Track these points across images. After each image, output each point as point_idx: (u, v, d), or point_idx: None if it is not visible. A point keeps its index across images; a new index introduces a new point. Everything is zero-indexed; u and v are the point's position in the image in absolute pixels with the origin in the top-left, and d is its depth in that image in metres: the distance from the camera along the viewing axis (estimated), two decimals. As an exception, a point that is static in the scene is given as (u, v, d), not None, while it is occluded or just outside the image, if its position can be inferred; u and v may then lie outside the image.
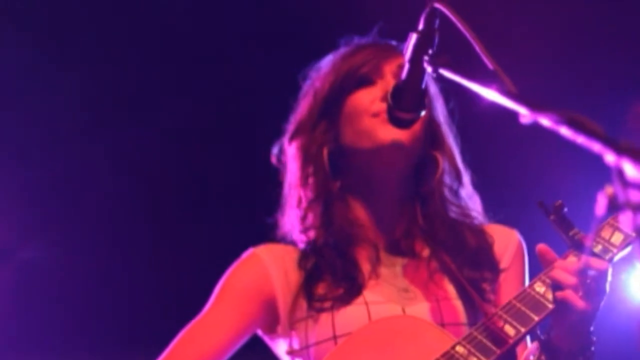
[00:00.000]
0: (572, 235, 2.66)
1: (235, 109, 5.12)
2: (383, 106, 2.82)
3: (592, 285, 2.62)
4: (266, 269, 2.99)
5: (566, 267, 2.64)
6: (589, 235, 2.61)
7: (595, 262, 2.64)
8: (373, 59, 3.02)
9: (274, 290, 2.96)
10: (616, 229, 2.74)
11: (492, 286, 2.98)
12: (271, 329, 2.99)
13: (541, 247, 2.72)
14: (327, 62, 3.14)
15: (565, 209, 2.65)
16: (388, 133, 2.87)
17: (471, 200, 3.09)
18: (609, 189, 1.52)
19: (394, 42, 3.13)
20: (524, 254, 3.07)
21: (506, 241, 3.07)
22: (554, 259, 2.70)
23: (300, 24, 5.01)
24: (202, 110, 5.11)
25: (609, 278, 2.65)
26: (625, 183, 1.50)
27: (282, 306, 2.95)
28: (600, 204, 1.52)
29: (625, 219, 1.50)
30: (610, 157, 1.54)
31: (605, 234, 2.75)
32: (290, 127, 3.14)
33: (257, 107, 4.92)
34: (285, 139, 3.14)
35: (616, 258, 2.72)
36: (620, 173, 1.51)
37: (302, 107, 3.13)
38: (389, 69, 3.01)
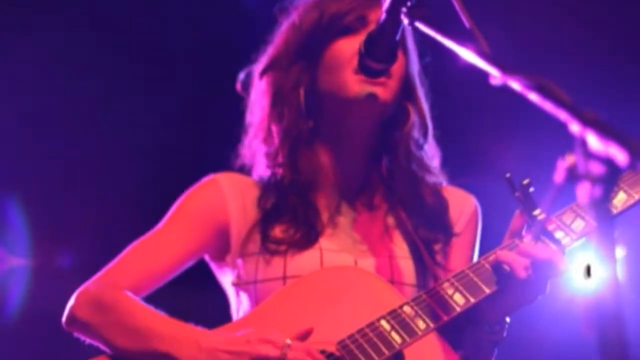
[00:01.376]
0: (534, 215, 2.66)
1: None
2: None
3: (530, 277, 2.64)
4: (224, 196, 2.97)
5: (523, 249, 2.65)
6: (546, 201, 2.61)
7: (539, 251, 2.64)
8: (358, 6, 2.97)
9: (228, 218, 2.95)
10: (578, 215, 2.75)
11: (444, 249, 2.99)
12: (220, 257, 2.98)
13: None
14: (309, 0, 3.07)
15: (532, 188, 2.64)
16: (365, 88, 2.85)
17: (433, 157, 3.08)
18: (570, 158, 1.51)
19: None
20: (478, 220, 3.08)
21: (462, 206, 3.07)
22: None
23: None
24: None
25: (561, 272, 2.66)
26: (587, 154, 1.49)
27: (234, 236, 2.94)
28: (560, 172, 1.51)
29: (583, 191, 1.49)
30: (575, 127, 1.53)
31: (567, 218, 2.75)
32: (264, 59, 3.08)
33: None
34: (256, 71, 3.09)
35: (574, 245, 2.73)
36: (584, 143, 1.50)
37: (279, 42, 3.07)
38: (374, 17, 2.92)
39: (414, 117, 3.01)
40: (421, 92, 3.06)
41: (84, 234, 5.02)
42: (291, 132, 2.97)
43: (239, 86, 3.13)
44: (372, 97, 2.85)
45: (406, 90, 3.01)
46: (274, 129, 3.01)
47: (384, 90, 2.86)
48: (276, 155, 2.99)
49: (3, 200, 4.96)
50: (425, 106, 3.06)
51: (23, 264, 5.08)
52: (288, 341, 2.56)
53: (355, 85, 2.86)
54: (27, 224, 4.95)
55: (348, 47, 2.91)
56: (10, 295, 5.03)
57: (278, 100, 3.00)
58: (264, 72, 3.06)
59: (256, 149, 3.05)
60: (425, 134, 3.05)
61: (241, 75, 3.13)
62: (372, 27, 2.90)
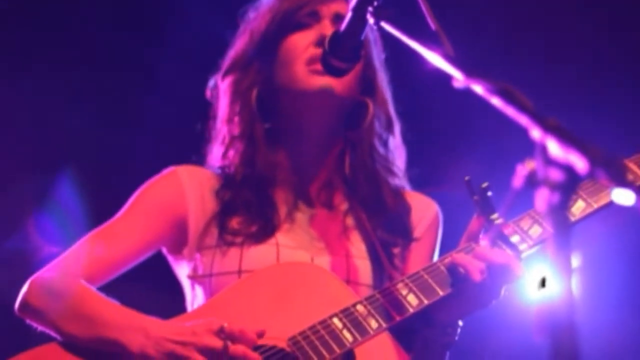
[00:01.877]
0: (491, 219, 2.66)
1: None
2: (317, 51, 2.81)
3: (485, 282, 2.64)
4: (183, 189, 2.96)
5: (477, 254, 2.65)
6: (503, 207, 2.62)
7: (494, 255, 2.65)
8: (310, 3, 2.99)
9: (187, 210, 2.94)
10: (536, 221, 2.75)
11: (402, 252, 2.99)
12: (177, 250, 2.96)
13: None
14: (266, 1, 3.11)
15: (490, 193, 2.64)
16: (318, 79, 2.86)
17: (398, 151, 3.09)
18: (530, 163, 1.51)
19: None
20: (439, 226, 3.08)
21: (423, 211, 3.07)
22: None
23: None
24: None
25: (516, 277, 2.66)
26: (547, 160, 1.49)
27: (192, 229, 2.92)
28: (519, 177, 1.50)
29: (541, 197, 1.49)
30: (536, 133, 1.53)
31: (525, 224, 2.76)
32: (225, 63, 3.12)
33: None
34: (219, 75, 3.12)
35: (530, 251, 2.73)
36: (544, 150, 1.50)
37: (238, 45, 3.11)
38: (327, 12, 2.99)
39: (375, 112, 3.01)
40: (383, 87, 3.08)
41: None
42: (245, 132, 2.99)
43: (208, 93, 3.15)
44: (325, 88, 2.86)
45: (366, 85, 3.02)
46: (227, 128, 3.03)
47: (338, 83, 2.86)
48: (226, 155, 3.01)
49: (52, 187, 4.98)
50: (388, 101, 3.07)
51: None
52: (224, 324, 2.55)
53: (308, 78, 2.88)
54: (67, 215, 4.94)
55: (301, 41, 2.94)
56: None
57: (235, 100, 3.03)
58: (224, 74, 3.09)
59: (215, 149, 3.07)
60: (389, 129, 3.05)
61: (210, 82, 3.16)
62: (324, 21, 2.94)
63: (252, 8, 3.14)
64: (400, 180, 3.07)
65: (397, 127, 3.08)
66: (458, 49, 2.08)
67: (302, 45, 2.93)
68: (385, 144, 3.04)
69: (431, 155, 4.70)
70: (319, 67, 2.76)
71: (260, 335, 2.60)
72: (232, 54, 3.11)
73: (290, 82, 2.93)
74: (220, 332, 2.54)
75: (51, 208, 4.97)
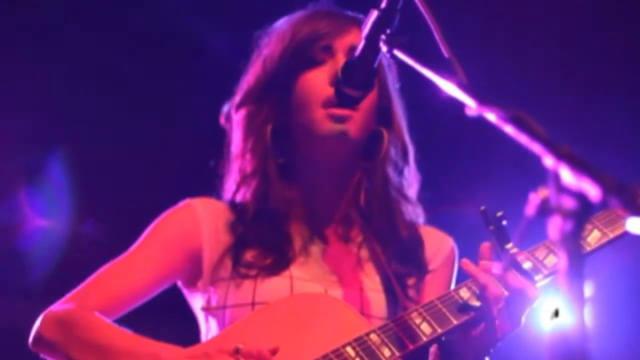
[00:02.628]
0: (506, 249, 2.64)
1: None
2: (331, 92, 2.78)
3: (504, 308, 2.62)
4: (198, 222, 2.94)
5: (488, 268, 2.64)
6: (516, 236, 2.61)
7: (513, 279, 2.63)
8: (324, 35, 2.95)
9: (201, 244, 2.92)
10: (551, 251, 2.74)
11: (417, 284, 2.97)
12: (192, 283, 2.95)
13: (464, 261, 2.71)
14: (279, 28, 3.06)
15: (505, 222, 2.63)
16: (335, 126, 2.84)
17: (412, 179, 3.07)
18: (543, 191, 1.50)
19: (349, 13, 3.06)
20: (455, 261, 3.06)
21: (439, 245, 3.06)
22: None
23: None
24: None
25: (533, 302, 2.64)
26: (560, 188, 1.48)
27: (207, 261, 2.91)
28: (532, 205, 1.49)
29: (554, 225, 1.48)
30: (549, 160, 1.52)
31: (540, 254, 2.75)
32: (238, 93, 3.08)
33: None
34: (232, 105, 3.09)
35: (545, 281, 2.72)
36: (557, 177, 1.49)
37: (251, 75, 3.07)
38: (340, 45, 2.94)
39: (389, 142, 2.99)
40: (399, 116, 3.05)
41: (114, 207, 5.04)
42: (258, 169, 2.97)
43: (222, 119, 3.13)
44: (341, 135, 2.85)
45: (382, 114, 3.00)
46: (241, 164, 3.01)
47: (352, 126, 2.85)
48: (245, 189, 2.99)
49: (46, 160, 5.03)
50: (403, 129, 3.05)
51: (49, 227, 5.18)
52: (240, 345, 2.54)
53: (325, 123, 2.85)
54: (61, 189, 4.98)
55: (315, 81, 2.91)
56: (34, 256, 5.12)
57: (248, 135, 3.01)
58: (238, 106, 3.06)
59: (230, 182, 3.05)
60: (404, 158, 3.04)
61: (225, 108, 3.13)
62: (338, 56, 2.91)
63: (264, 33, 3.10)
64: (414, 208, 3.05)
65: (411, 156, 3.07)
66: (471, 76, 2.08)
67: (318, 85, 2.89)
68: (400, 173, 3.02)
69: (445, 182, 4.70)
70: (336, 111, 2.77)
71: (274, 352, 2.58)
72: (245, 84, 3.07)
73: (306, 124, 2.90)
74: (235, 352, 2.53)
75: (41, 183, 5.00)
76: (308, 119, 2.89)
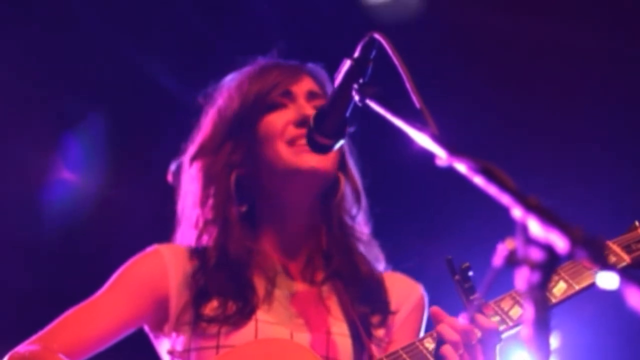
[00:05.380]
0: (472, 299, 2.65)
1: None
2: (298, 132, 2.82)
3: (477, 348, 2.62)
4: (165, 268, 2.94)
5: (453, 324, 2.64)
6: (482, 286, 2.61)
7: (486, 322, 2.64)
8: (283, 82, 3.01)
9: (168, 289, 2.92)
10: (517, 302, 2.75)
11: (383, 322, 2.97)
12: (158, 327, 2.95)
13: (434, 309, 2.72)
14: (231, 82, 3.10)
15: (471, 273, 2.64)
16: (307, 160, 2.86)
17: (365, 224, 3.09)
18: (510, 242, 1.51)
19: (296, 62, 3.13)
20: (424, 308, 3.08)
21: (409, 292, 3.07)
22: (444, 317, 2.69)
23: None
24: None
25: (497, 350, 2.65)
26: (528, 239, 1.49)
27: (173, 307, 2.91)
28: (499, 255, 1.50)
29: (521, 276, 1.49)
30: (517, 212, 1.53)
31: (505, 304, 2.75)
32: (192, 147, 3.09)
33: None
34: (186, 159, 3.09)
35: (509, 332, 2.72)
36: (525, 229, 1.50)
37: (205, 128, 3.09)
38: (299, 90, 3.01)
39: (345, 188, 3.02)
40: (352, 162, 3.09)
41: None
42: (219, 216, 2.97)
43: (170, 177, 3.13)
44: (314, 168, 2.87)
45: (339, 161, 3.03)
46: (200, 212, 3.01)
47: (325, 161, 2.87)
48: (200, 239, 3.00)
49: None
50: (356, 175, 3.09)
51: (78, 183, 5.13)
52: None
53: (295, 157, 2.88)
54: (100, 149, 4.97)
55: (279, 120, 2.95)
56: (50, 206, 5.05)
57: (208, 184, 3.01)
58: (193, 158, 3.07)
59: (187, 234, 3.05)
60: (358, 203, 3.06)
61: (172, 166, 3.14)
62: (299, 101, 2.95)
63: (216, 88, 3.13)
64: (372, 249, 3.06)
65: (364, 201, 3.09)
66: (442, 127, 2.09)
67: (281, 124, 2.94)
68: (354, 217, 3.05)
69: (412, 231, 4.71)
70: (303, 146, 2.77)
71: None
72: (199, 137, 3.09)
73: (273, 162, 2.93)
74: None
75: (82, 137, 4.97)
76: (276, 157, 2.92)
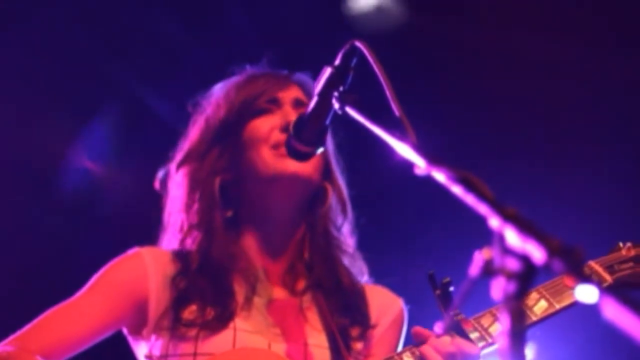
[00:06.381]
0: (452, 314, 2.64)
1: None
2: (282, 137, 2.82)
3: None
4: (145, 271, 2.92)
5: (437, 346, 2.64)
6: (459, 296, 2.61)
7: (466, 346, 2.64)
8: (269, 89, 3.03)
9: (148, 292, 2.90)
10: (497, 319, 2.74)
11: (362, 335, 2.96)
12: (137, 330, 2.92)
13: (417, 329, 2.71)
14: (219, 90, 3.12)
15: (452, 288, 2.63)
16: (289, 165, 2.86)
17: (350, 235, 3.09)
18: (487, 252, 1.50)
19: (285, 71, 3.15)
20: (404, 324, 3.07)
21: (388, 305, 3.06)
22: (428, 336, 2.69)
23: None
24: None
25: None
26: (504, 250, 1.48)
27: (152, 310, 2.89)
28: (475, 265, 1.49)
29: (497, 286, 1.48)
30: (494, 222, 1.52)
31: (485, 321, 2.74)
32: (179, 154, 3.10)
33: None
34: (173, 166, 3.10)
35: (489, 349, 2.71)
36: (501, 239, 1.49)
37: (193, 134, 3.10)
38: (286, 98, 3.02)
39: (332, 197, 3.02)
40: (338, 172, 3.09)
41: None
42: (203, 221, 2.97)
43: (157, 184, 3.12)
44: (296, 174, 2.87)
45: (325, 170, 3.03)
46: (185, 217, 3.01)
47: (307, 167, 2.87)
48: (184, 242, 2.99)
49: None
50: (342, 185, 3.08)
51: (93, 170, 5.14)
52: None
53: (277, 162, 2.88)
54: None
55: (264, 125, 2.96)
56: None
57: (193, 189, 3.01)
58: (180, 165, 3.07)
59: (171, 239, 3.05)
60: (344, 213, 3.05)
61: (160, 173, 3.13)
62: (285, 107, 2.95)
63: (205, 97, 3.14)
64: (355, 262, 3.06)
65: (350, 212, 3.08)
66: (421, 135, 2.09)
67: (266, 129, 2.94)
68: (339, 228, 3.05)
69: (390, 241, 4.70)
70: (285, 151, 2.76)
71: None
72: (186, 144, 3.10)
73: (257, 167, 2.92)
74: None
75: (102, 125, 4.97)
76: (259, 161, 2.93)
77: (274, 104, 3.01)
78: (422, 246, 5.01)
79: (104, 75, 5.06)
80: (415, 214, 5.16)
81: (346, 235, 3.07)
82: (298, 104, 3.01)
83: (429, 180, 1.80)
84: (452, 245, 4.39)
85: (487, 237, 1.52)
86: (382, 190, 4.52)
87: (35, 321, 2.86)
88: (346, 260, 3.04)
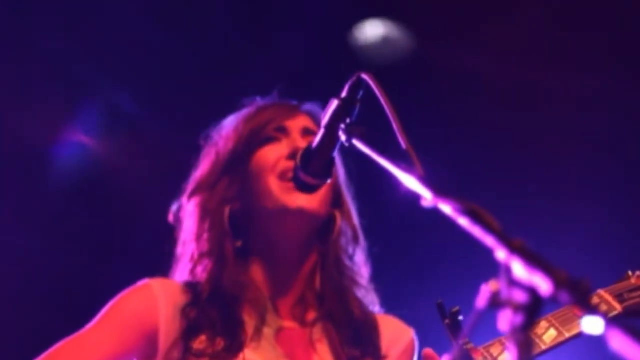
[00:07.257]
0: (461, 344, 2.64)
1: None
2: (289, 165, 2.82)
3: None
4: (155, 302, 2.92)
5: None
6: (466, 327, 2.61)
7: None
8: (277, 118, 3.04)
9: (158, 324, 2.89)
10: (506, 348, 2.72)
11: None
12: None
13: (427, 351, 2.71)
14: (229, 123, 3.14)
15: (461, 317, 2.63)
16: (295, 199, 2.86)
17: (363, 264, 3.08)
18: (494, 284, 1.50)
19: (294, 102, 3.16)
20: (414, 353, 3.05)
21: (399, 335, 3.05)
22: None
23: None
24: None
25: None
26: (511, 282, 1.49)
27: (162, 342, 2.87)
28: (482, 297, 1.50)
29: (504, 318, 1.48)
30: (501, 254, 1.53)
31: (495, 350, 2.73)
32: (190, 185, 3.12)
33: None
34: (184, 197, 3.11)
35: None
36: (508, 271, 1.50)
37: (204, 166, 3.11)
38: (294, 126, 3.02)
39: (342, 226, 3.02)
40: (349, 200, 3.09)
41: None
42: (214, 250, 2.97)
43: (171, 217, 3.14)
44: (301, 209, 2.87)
45: (335, 199, 3.02)
46: (196, 246, 3.01)
47: (313, 201, 2.87)
48: (194, 271, 2.99)
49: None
50: (353, 214, 3.08)
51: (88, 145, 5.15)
52: None
53: (283, 196, 2.88)
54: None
55: (272, 153, 2.96)
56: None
57: (203, 219, 3.02)
58: (191, 195, 3.09)
59: (183, 269, 3.04)
60: (355, 242, 3.05)
61: (173, 207, 3.15)
62: (293, 135, 2.96)
63: (216, 129, 3.16)
64: (367, 293, 3.06)
65: (362, 241, 3.09)
66: (428, 168, 2.10)
67: (274, 157, 2.94)
68: (351, 257, 3.04)
69: (398, 273, 4.70)
70: (292, 184, 2.77)
71: None
72: (197, 175, 3.11)
73: (264, 198, 2.93)
74: None
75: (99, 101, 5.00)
76: (266, 192, 2.92)
77: (282, 132, 3.02)
78: (430, 275, 5.00)
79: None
80: (424, 244, 5.16)
81: (360, 265, 3.06)
82: (307, 132, 3.02)
83: (436, 211, 1.81)
84: (461, 274, 4.39)
85: (496, 266, 1.52)
86: (389, 222, 4.52)
87: (46, 353, 2.85)
88: (359, 292, 3.03)
